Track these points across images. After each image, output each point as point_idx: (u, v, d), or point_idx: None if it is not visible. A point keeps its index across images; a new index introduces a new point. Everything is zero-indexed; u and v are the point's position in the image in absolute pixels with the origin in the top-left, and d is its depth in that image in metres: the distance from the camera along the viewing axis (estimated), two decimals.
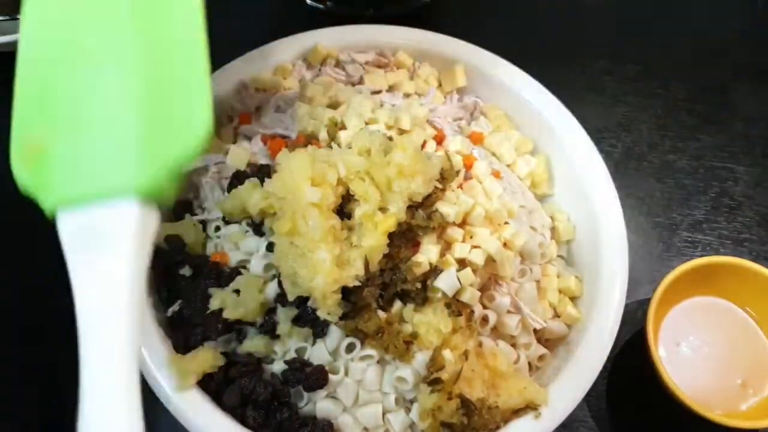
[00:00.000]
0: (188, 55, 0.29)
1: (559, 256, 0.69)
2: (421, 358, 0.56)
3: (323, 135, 0.65)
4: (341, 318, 0.55)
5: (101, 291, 0.26)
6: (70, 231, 0.27)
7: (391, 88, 0.74)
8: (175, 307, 0.62)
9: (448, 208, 0.59)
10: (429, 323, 0.56)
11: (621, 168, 0.83)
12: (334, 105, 0.70)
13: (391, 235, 0.56)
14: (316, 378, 0.56)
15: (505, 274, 0.61)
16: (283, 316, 0.57)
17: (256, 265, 0.59)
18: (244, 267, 0.61)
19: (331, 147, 0.59)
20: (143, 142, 0.27)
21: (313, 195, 0.54)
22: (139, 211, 0.26)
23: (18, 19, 0.33)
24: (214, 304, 0.58)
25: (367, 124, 0.65)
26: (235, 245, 0.62)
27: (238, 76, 0.72)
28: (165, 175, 0.27)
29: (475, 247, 0.60)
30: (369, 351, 0.56)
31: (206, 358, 0.57)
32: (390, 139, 0.61)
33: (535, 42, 0.90)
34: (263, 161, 0.66)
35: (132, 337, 0.26)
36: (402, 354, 0.56)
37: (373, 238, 0.55)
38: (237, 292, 0.58)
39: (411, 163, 0.56)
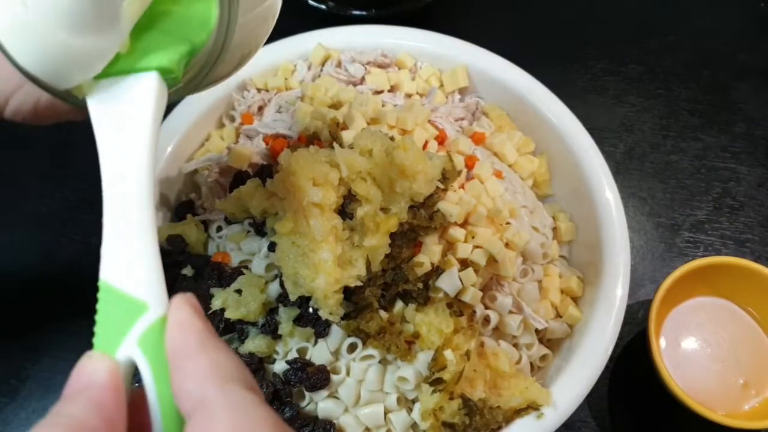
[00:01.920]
0: None
1: (561, 256, 0.69)
2: (422, 358, 0.56)
3: (325, 135, 0.65)
4: (343, 318, 0.55)
5: (127, 140, 0.34)
6: (100, 97, 0.35)
7: (392, 89, 0.74)
8: None
9: (449, 208, 0.59)
10: (431, 323, 0.56)
11: (623, 168, 0.83)
12: (335, 105, 0.70)
13: (392, 235, 0.56)
14: (317, 378, 0.56)
15: (507, 274, 0.61)
16: (285, 316, 0.57)
17: (258, 265, 0.59)
18: (246, 267, 0.61)
19: (332, 147, 0.59)
20: (167, 33, 0.37)
21: (315, 195, 0.54)
22: (160, 82, 0.36)
23: None
24: (215, 304, 0.58)
25: (368, 124, 0.66)
26: (236, 245, 0.62)
27: (240, 76, 0.72)
28: (178, 60, 0.37)
29: (477, 247, 0.60)
30: (371, 351, 0.56)
31: None
32: (392, 139, 0.61)
33: (537, 42, 0.90)
34: (265, 161, 0.66)
35: (150, 181, 0.33)
36: (404, 354, 0.56)
37: (374, 238, 0.55)
38: (239, 292, 0.58)
39: (413, 163, 0.56)
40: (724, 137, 0.85)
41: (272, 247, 0.58)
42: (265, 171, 0.64)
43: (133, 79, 0.36)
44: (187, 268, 0.62)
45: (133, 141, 0.34)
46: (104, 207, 0.33)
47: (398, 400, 0.57)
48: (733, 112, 0.87)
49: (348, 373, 0.57)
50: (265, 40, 0.45)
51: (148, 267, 0.32)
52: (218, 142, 0.70)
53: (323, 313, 0.55)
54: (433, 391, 0.55)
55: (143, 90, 0.35)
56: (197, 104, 0.70)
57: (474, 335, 0.58)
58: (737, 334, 0.67)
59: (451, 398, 0.55)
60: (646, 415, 0.69)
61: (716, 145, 0.85)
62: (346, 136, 0.63)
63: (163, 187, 0.67)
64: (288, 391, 0.57)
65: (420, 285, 0.57)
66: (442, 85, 0.75)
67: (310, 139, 0.66)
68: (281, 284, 0.57)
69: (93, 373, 0.28)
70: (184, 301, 0.31)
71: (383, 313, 0.57)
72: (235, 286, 0.58)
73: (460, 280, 0.57)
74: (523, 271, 0.63)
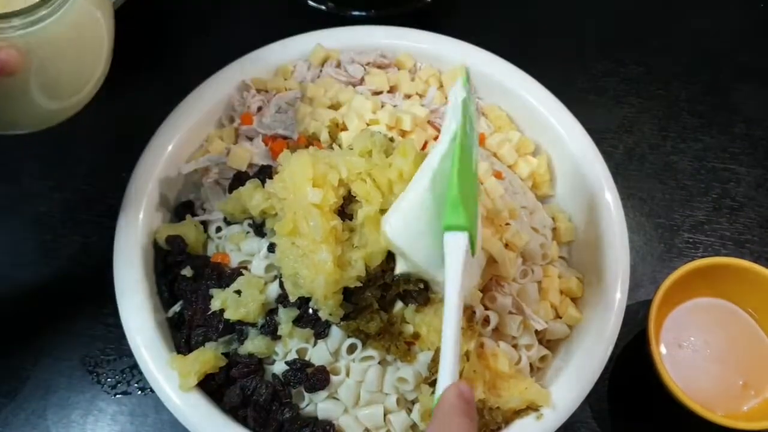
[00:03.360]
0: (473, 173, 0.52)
1: (561, 257, 0.69)
2: (422, 358, 0.56)
3: (324, 136, 0.65)
4: (342, 319, 0.55)
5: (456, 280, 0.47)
6: (454, 243, 0.48)
7: (392, 89, 0.74)
8: (176, 308, 0.62)
9: None
10: (430, 324, 0.56)
11: (622, 169, 0.83)
12: (335, 106, 0.70)
13: None
14: (317, 379, 0.56)
15: (507, 275, 0.61)
16: (285, 317, 0.57)
17: (258, 266, 0.59)
18: (246, 268, 0.61)
19: (332, 148, 0.59)
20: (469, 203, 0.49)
21: (315, 196, 0.54)
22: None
23: None
24: (215, 305, 0.58)
25: (368, 125, 0.66)
26: (236, 246, 0.62)
27: (239, 77, 0.72)
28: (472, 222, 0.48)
29: None
30: (370, 351, 0.56)
31: (207, 358, 0.57)
32: (391, 140, 0.61)
33: (537, 43, 0.90)
34: (264, 162, 0.67)
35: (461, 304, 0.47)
36: (403, 354, 0.56)
37: (374, 239, 0.55)
38: (238, 292, 0.58)
39: (412, 165, 0.56)
40: (724, 138, 0.85)
41: (272, 247, 0.58)
42: (265, 172, 0.64)
43: (455, 236, 0.47)
44: (186, 269, 0.62)
45: (452, 289, 0.47)
46: (443, 338, 0.46)
47: (398, 400, 0.57)
48: (732, 113, 0.87)
49: (348, 374, 0.57)
50: None
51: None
52: (218, 142, 0.70)
53: (323, 314, 0.55)
54: (433, 392, 0.55)
55: (457, 247, 0.47)
56: (197, 105, 0.70)
57: (473, 336, 0.58)
58: (737, 335, 0.67)
59: None
60: (646, 416, 0.69)
61: (716, 145, 0.85)
62: (346, 136, 0.63)
63: (163, 188, 0.67)
64: (287, 391, 0.57)
65: (420, 285, 0.57)
66: (441, 86, 0.75)
67: (309, 139, 0.66)
68: (281, 285, 0.57)
69: None
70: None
71: (383, 314, 0.57)
72: (234, 286, 0.58)
73: None
74: (522, 271, 0.63)
